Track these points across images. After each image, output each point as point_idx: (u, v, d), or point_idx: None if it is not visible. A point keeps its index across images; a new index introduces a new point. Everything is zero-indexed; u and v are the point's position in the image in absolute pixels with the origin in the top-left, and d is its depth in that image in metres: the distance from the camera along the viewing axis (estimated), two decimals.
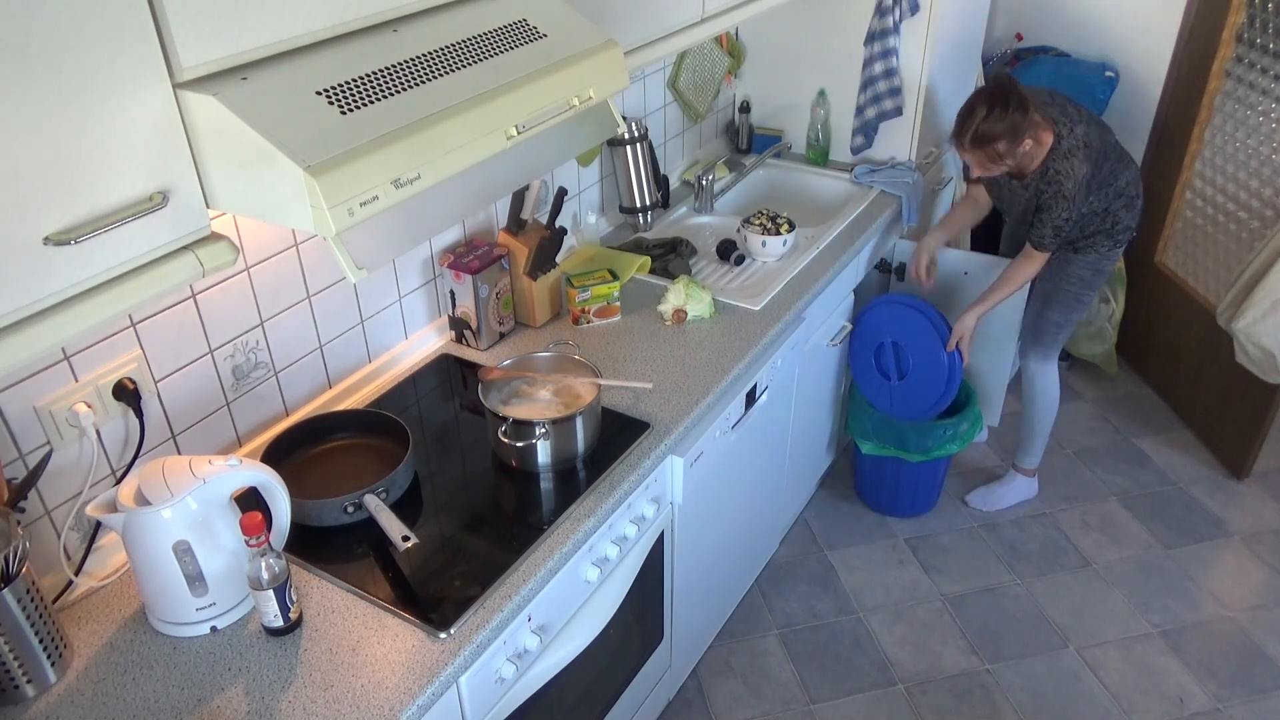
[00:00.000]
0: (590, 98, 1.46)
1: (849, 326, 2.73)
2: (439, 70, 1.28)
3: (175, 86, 1.06)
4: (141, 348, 1.51)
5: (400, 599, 1.48)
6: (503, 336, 2.16)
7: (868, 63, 2.74)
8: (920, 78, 2.79)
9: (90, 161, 1.01)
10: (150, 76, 1.03)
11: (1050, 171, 2.40)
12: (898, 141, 2.91)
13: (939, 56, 2.82)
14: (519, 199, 2.14)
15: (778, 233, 2.43)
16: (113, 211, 1.04)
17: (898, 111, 2.80)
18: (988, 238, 3.73)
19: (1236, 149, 3.03)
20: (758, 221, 2.47)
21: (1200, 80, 3.15)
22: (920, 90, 2.80)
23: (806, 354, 2.48)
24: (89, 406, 1.44)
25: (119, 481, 1.52)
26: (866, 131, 2.83)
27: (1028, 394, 2.87)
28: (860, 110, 2.82)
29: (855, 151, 2.90)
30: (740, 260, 2.48)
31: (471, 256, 2.05)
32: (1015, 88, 2.31)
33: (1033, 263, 2.52)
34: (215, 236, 1.17)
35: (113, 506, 1.35)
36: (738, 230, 2.51)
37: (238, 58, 1.11)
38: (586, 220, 2.53)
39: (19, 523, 1.31)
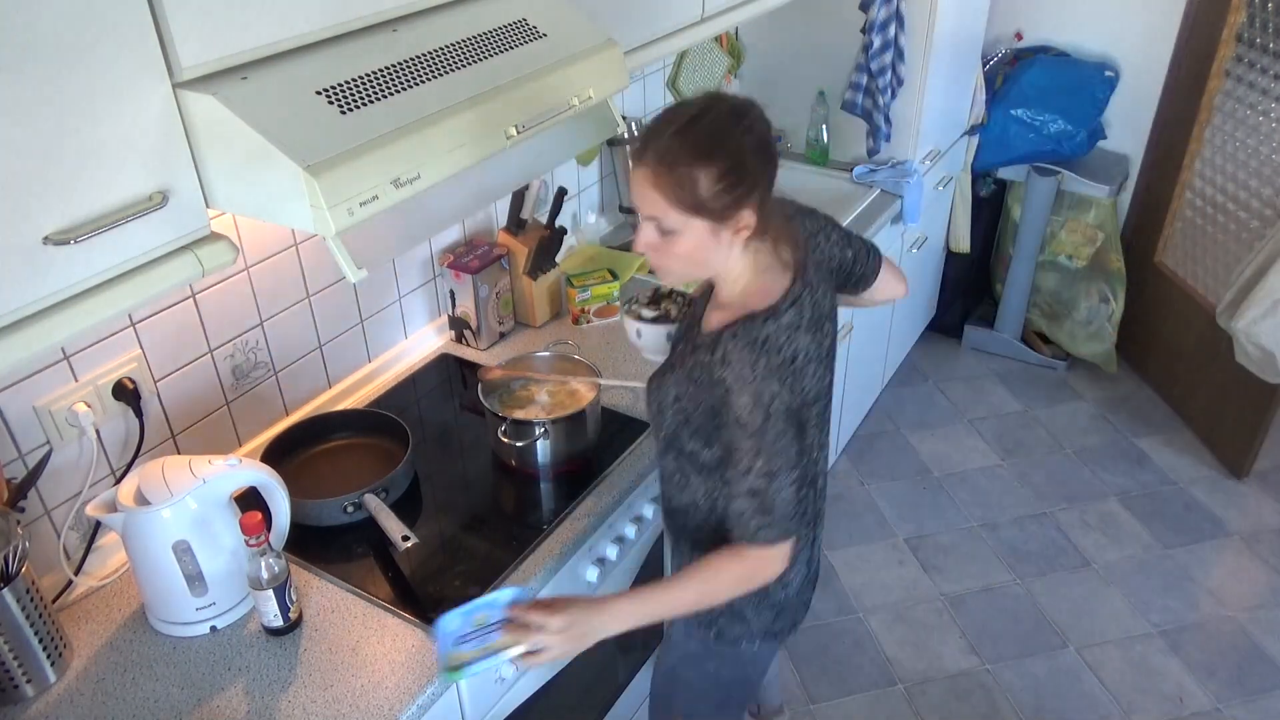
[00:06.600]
0: (590, 97, 1.46)
1: (849, 326, 2.73)
2: (439, 70, 1.28)
3: (175, 86, 1.06)
4: (141, 347, 1.51)
5: (400, 599, 1.48)
6: (503, 336, 2.16)
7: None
8: (920, 76, 2.79)
9: (90, 161, 1.00)
10: (150, 76, 1.03)
11: (721, 350, 1.24)
12: (898, 141, 2.90)
13: (937, 55, 2.81)
14: (519, 199, 2.14)
15: (668, 318, 1.62)
16: (112, 211, 1.04)
17: (878, 108, 2.75)
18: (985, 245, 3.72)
19: (1236, 149, 3.03)
20: (635, 304, 1.67)
21: (1200, 80, 3.15)
22: (921, 89, 2.80)
23: None
24: (89, 406, 1.44)
25: (119, 481, 1.52)
26: (875, 134, 2.81)
27: None
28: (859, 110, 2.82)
29: (871, 154, 2.88)
30: None
31: (471, 256, 2.05)
32: (766, 130, 1.25)
33: (741, 562, 1.31)
34: (215, 236, 1.17)
35: (112, 506, 1.35)
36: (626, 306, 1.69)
37: (237, 57, 1.11)
38: (586, 220, 2.53)
39: (19, 522, 1.31)
